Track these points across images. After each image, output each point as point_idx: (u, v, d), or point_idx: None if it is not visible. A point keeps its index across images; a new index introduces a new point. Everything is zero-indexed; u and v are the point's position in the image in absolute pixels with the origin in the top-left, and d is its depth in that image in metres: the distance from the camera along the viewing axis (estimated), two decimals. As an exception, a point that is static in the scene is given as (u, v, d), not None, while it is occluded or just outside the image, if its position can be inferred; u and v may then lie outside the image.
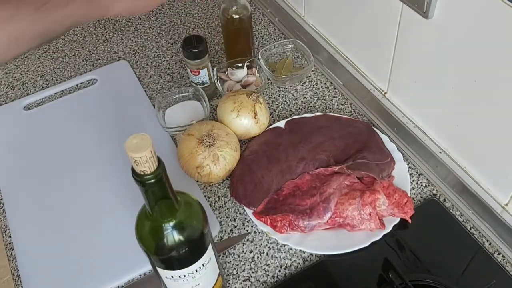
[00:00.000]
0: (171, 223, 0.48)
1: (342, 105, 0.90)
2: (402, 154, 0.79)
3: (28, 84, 1.00)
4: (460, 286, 0.64)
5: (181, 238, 0.49)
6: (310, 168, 0.77)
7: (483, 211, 0.70)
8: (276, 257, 0.71)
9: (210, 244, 0.54)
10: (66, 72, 1.01)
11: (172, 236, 0.49)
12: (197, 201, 0.52)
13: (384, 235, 0.69)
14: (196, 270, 0.52)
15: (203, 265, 0.53)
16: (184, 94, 0.90)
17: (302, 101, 0.91)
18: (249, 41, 0.92)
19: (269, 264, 0.70)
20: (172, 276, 0.52)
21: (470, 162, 0.72)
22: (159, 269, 0.52)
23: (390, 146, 0.80)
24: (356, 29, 0.85)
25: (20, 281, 0.70)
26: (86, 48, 1.07)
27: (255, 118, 0.80)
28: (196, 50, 0.84)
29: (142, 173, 0.43)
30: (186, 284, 0.53)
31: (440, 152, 0.75)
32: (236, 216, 0.76)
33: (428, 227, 0.71)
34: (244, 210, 0.75)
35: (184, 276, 0.52)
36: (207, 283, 0.56)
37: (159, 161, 0.43)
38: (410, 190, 0.75)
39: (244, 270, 0.70)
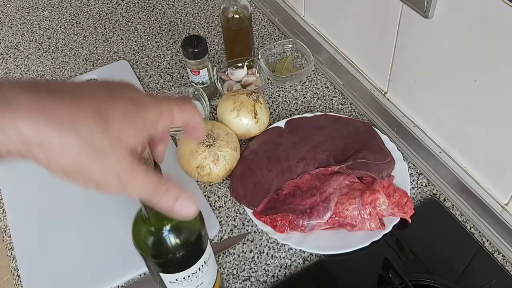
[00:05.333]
0: (168, 226, 0.48)
1: (342, 105, 0.90)
2: (402, 154, 0.79)
3: (28, 84, 1.00)
4: (460, 286, 0.64)
5: (179, 240, 0.49)
6: (310, 168, 0.77)
7: (483, 211, 0.70)
8: (276, 257, 0.70)
9: (208, 242, 0.54)
10: (66, 72, 1.01)
11: (170, 238, 0.48)
12: None
13: (384, 235, 0.69)
14: (199, 269, 0.52)
15: (205, 262, 0.53)
16: (184, 94, 0.90)
17: (302, 101, 0.91)
18: (249, 41, 0.92)
19: (269, 264, 0.70)
20: (176, 279, 0.52)
21: (470, 162, 0.72)
22: (162, 275, 0.52)
23: (390, 145, 0.80)
24: (356, 29, 0.85)
25: (20, 281, 0.70)
26: (86, 48, 1.07)
27: (255, 118, 0.80)
28: (196, 50, 0.84)
29: None
30: (190, 285, 0.53)
31: (440, 152, 0.75)
32: (236, 216, 0.76)
33: (428, 227, 0.71)
34: (244, 210, 0.75)
35: (189, 276, 0.52)
36: (209, 280, 0.57)
37: (155, 164, 0.43)
38: (410, 190, 0.75)
39: (244, 270, 0.70)
